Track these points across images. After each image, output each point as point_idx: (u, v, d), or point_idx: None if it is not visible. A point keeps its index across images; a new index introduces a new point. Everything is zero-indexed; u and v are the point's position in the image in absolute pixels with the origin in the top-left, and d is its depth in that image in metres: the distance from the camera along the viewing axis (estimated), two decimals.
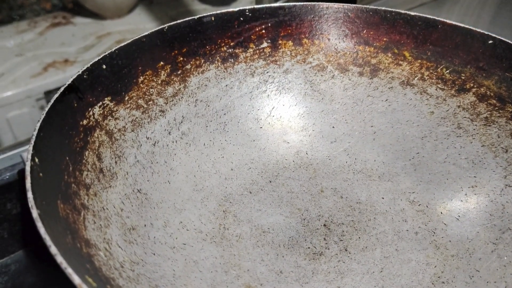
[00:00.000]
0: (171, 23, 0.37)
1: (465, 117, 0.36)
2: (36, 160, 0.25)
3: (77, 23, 0.73)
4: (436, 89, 0.38)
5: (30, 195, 0.22)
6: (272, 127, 0.40)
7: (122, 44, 0.34)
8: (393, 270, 0.30)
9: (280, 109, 0.40)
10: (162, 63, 0.36)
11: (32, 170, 0.24)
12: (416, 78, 0.38)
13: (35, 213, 0.22)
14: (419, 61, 0.38)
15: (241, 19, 0.39)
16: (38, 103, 0.61)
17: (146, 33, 0.35)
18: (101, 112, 0.32)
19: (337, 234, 0.33)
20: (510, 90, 0.34)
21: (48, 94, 0.61)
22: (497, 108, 0.35)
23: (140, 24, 0.74)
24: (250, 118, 0.39)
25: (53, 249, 0.20)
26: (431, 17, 0.38)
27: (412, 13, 0.38)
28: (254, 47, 0.40)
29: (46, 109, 0.28)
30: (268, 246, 0.32)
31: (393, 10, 0.39)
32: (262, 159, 0.38)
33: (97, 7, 0.72)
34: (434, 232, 0.32)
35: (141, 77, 0.35)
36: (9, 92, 0.59)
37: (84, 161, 0.29)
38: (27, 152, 0.25)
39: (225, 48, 0.39)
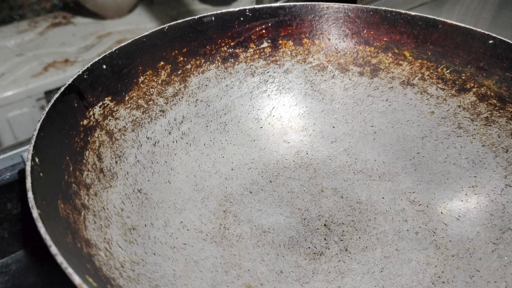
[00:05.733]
0: (172, 23, 0.37)
1: (465, 117, 0.36)
2: (37, 160, 0.25)
3: (78, 23, 0.73)
4: (436, 89, 0.38)
5: (30, 195, 0.22)
6: (272, 127, 0.40)
7: (123, 44, 0.34)
8: (394, 270, 0.30)
9: (281, 109, 0.40)
10: (162, 63, 0.36)
11: (33, 170, 0.24)
12: (416, 78, 0.38)
13: (35, 213, 0.22)
14: (420, 61, 0.38)
15: (242, 19, 0.39)
16: (39, 103, 0.61)
17: (147, 33, 0.35)
18: (102, 112, 0.32)
19: (337, 234, 0.33)
20: (510, 90, 0.34)
21: (49, 94, 0.61)
22: (497, 108, 0.35)
23: (141, 24, 0.74)
24: (251, 118, 0.39)
25: (54, 249, 0.20)
26: (432, 17, 0.38)
27: (413, 13, 0.38)
28: (254, 47, 0.40)
29: (47, 109, 0.28)
30: (268, 246, 0.32)
31: (394, 10, 0.39)
32: (263, 159, 0.38)
33: (98, 7, 0.72)
34: (434, 232, 0.32)
35: (141, 77, 0.35)
36: (10, 92, 0.59)
37: (84, 161, 0.29)
38: (27, 152, 0.25)
39: (225, 48, 0.39)
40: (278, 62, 0.40)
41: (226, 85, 0.39)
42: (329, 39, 0.40)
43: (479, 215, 0.33)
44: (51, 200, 0.24)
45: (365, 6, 0.39)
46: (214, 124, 0.38)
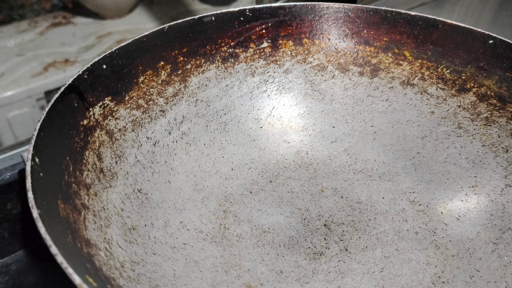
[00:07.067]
0: (172, 23, 0.37)
1: (465, 117, 0.36)
2: (37, 160, 0.25)
3: (78, 23, 0.73)
4: (436, 89, 0.38)
5: (30, 195, 0.22)
6: (272, 127, 0.40)
7: (123, 44, 0.34)
8: (394, 270, 0.30)
9: (281, 109, 0.40)
10: (162, 63, 0.36)
11: (33, 170, 0.24)
12: (416, 78, 0.38)
13: (35, 213, 0.22)
14: (420, 61, 0.38)
15: (242, 19, 0.39)
16: (39, 103, 0.61)
17: (147, 33, 0.35)
18: (102, 112, 0.32)
19: (337, 234, 0.33)
20: (510, 90, 0.34)
21: (49, 94, 0.61)
22: (497, 108, 0.35)
23: (141, 24, 0.74)
24: (251, 118, 0.39)
25: (54, 249, 0.20)
26: (432, 17, 0.38)
27: (413, 13, 0.38)
28: (254, 47, 0.40)
29: (47, 109, 0.28)
30: (268, 246, 0.32)
31: (394, 10, 0.39)
32: (263, 159, 0.38)
33: (98, 7, 0.73)
34: (434, 232, 0.32)
35: (141, 77, 0.35)
36: (10, 92, 0.59)
37: (84, 161, 0.29)
38: (27, 152, 0.25)
39: (225, 48, 0.39)
40: (278, 62, 0.40)
41: (226, 85, 0.39)
42: (329, 39, 0.40)
43: (479, 215, 0.33)
44: (51, 200, 0.24)
45: (365, 6, 0.39)
46: (214, 124, 0.38)
